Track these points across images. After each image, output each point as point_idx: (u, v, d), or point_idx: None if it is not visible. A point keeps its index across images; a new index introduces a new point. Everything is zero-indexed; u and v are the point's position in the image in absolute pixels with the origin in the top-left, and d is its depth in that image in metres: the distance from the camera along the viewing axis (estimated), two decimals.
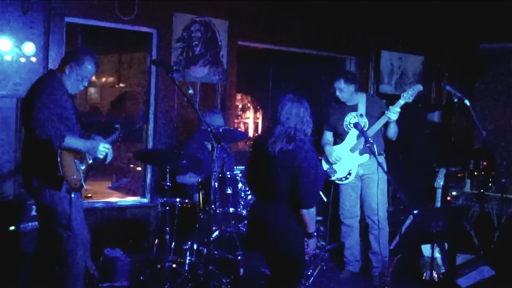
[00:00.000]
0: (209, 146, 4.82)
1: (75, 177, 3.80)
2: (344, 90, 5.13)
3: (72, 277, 3.89)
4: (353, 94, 5.18)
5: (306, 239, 3.55)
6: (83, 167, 3.89)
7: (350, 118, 5.18)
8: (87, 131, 4.08)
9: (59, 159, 3.67)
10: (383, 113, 5.02)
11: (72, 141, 3.76)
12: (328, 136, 5.35)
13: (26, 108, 3.77)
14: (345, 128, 5.20)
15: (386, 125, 5.09)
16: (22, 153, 4.00)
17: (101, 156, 3.92)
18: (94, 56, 3.97)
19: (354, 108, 5.19)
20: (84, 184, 3.87)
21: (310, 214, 3.47)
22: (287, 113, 3.48)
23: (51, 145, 3.62)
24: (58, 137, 3.65)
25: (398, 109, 4.96)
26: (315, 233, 3.58)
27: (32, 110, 3.67)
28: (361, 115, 5.14)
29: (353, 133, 5.12)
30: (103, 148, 3.90)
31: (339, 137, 5.27)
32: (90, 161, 4.00)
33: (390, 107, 4.98)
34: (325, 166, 5.27)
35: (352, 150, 5.16)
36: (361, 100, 5.20)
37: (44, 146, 3.63)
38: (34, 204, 4.55)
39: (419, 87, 5.02)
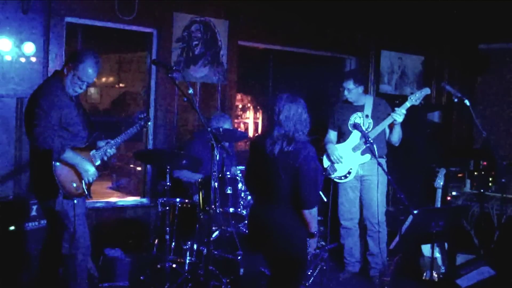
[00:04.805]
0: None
1: (75, 184, 3.80)
2: (353, 91, 5.13)
3: (75, 283, 3.90)
4: (360, 95, 5.19)
5: (308, 239, 3.54)
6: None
7: (355, 118, 5.17)
8: (95, 131, 4.08)
9: (54, 168, 3.68)
10: (388, 115, 5.02)
11: (70, 156, 3.75)
12: (332, 135, 5.35)
13: (28, 115, 3.75)
14: (349, 128, 5.20)
15: (391, 128, 5.08)
16: (29, 158, 4.00)
17: (90, 180, 3.88)
18: (94, 59, 3.85)
19: (360, 108, 5.19)
20: (86, 190, 3.86)
21: (312, 214, 3.47)
22: (285, 113, 3.44)
23: (51, 156, 3.63)
24: (59, 150, 3.65)
25: (404, 111, 4.95)
26: (317, 233, 3.58)
27: (33, 118, 3.66)
28: (367, 116, 5.14)
29: (356, 133, 5.11)
30: (93, 176, 3.87)
31: (342, 136, 5.27)
32: (98, 163, 3.99)
33: (396, 108, 4.97)
34: (325, 164, 5.27)
35: (354, 149, 5.16)
36: (368, 102, 5.20)
37: (42, 154, 3.64)
38: (34, 204, 4.57)
39: (427, 91, 5.00)
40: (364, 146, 5.04)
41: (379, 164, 4.02)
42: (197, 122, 5.96)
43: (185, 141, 5.75)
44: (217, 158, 3.82)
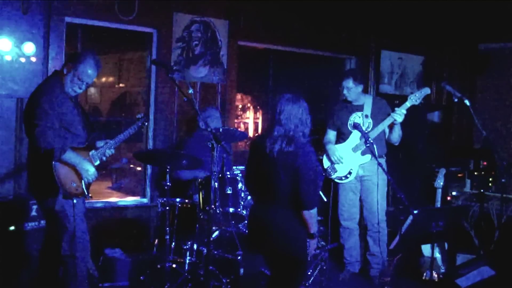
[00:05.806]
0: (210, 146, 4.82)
1: (74, 184, 3.80)
2: (352, 90, 5.13)
3: (75, 283, 3.90)
4: (360, 95, 5.19)
5: (307, 239, 3.54)
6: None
7: (355, 118, 5.17)
8: (94, 131, 4.08)
9: (54, 168, 3.68)
10: (388, 115, 5.02)
11: (71, 156, 3.75)
12: (331, 135, 5.34)
13: (28, 115, 3.75)
14: (349, 128, 5.19)
15: (391, 128, 5.08)
16: (27, 158, 4.01)
17: (90, 180, 3.88)
18: (94, 59, 3.88)
19: (360, 108, 5.19)
20: (85, 191, 3.86)
21: (312, 215, 3.47)
22: (286, 113, 3.46)
23: (51, 156, 3.63)
24: (60, 150, 3.66)
25: (404, 111, 4.94)
26: (317, 234, 3.57)
27: (34, 118, 3.66)
28: (366, 116, 5.14)
29: (356, 133, 5.10)
30: (93, 176, 3.87)
31: (342, 136, 5.26)
32: (97, 163, 3.99)
33: (396, 108, 4.97)
34: (326, 164, 5.26)
35: (354, 149, 5.16)
36: (367, 101, 5.20)
37: (42, 154, 3.64)
38: (34, 204, 4.57)
39: (427, 91, 5.00)
40: (364, 146, 5.03)
41: (379, 164, 4.02)
42: (197, 122, 5.95)
43: (183, 139, 5.75)
44: (215, 157, 3.82)
